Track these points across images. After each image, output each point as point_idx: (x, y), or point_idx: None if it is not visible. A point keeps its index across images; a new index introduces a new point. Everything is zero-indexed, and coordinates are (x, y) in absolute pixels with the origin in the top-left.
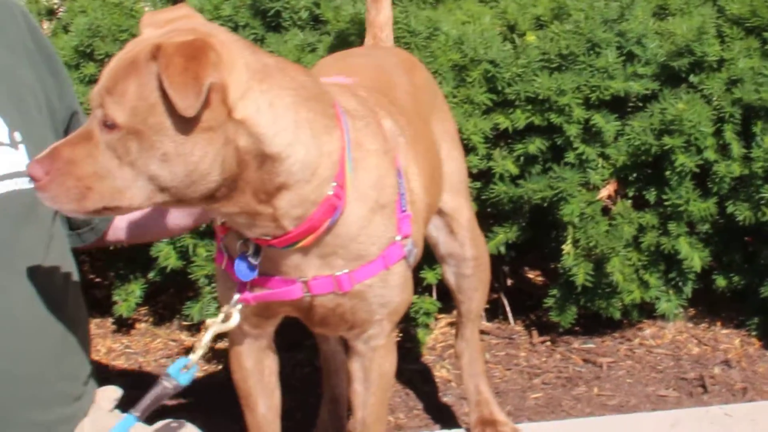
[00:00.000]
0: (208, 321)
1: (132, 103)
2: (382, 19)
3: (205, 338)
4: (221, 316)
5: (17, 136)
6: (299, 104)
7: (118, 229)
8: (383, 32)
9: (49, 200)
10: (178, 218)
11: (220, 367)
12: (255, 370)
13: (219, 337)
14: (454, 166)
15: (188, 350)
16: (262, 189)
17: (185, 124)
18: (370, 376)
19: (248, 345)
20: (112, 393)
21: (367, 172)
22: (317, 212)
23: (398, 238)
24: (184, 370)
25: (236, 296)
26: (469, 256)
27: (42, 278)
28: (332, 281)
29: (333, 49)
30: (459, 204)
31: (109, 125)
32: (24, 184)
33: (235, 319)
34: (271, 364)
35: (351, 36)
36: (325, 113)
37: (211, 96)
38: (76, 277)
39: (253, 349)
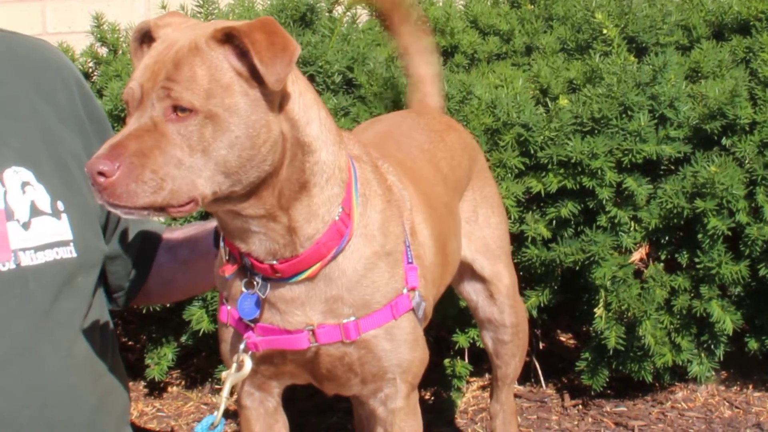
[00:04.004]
0: (224, 374)
1: (205, 87)
2: (429, 72)
3: (224, 391)
4: (234, 365)
5: (60, 205)
6: (320, 104)
7: (150, 289)
8: (431, 86)
9: (124, 196)
10: (202, 275)
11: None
12: None
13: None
14: (492, 232)
15: None
16: (288, 187)
17: (256, 106)
18: None
19: (256, 410)
20: None
21: (375, 213)
22: (325, 236)
23: (405, 290)
24: (211, 428)
25: (243, 343)
26: (508, 323)
27: (79, 348)
28: (339, 330)
29: (366, 112)
30: (498, 270)
31: (182, 113)
32: (65, 253)
33: (248, 366)
34: (281, 429)
35: (384, 99)
36: (338, 129)
37: None
38: (114, 345)
39: (261, 413)
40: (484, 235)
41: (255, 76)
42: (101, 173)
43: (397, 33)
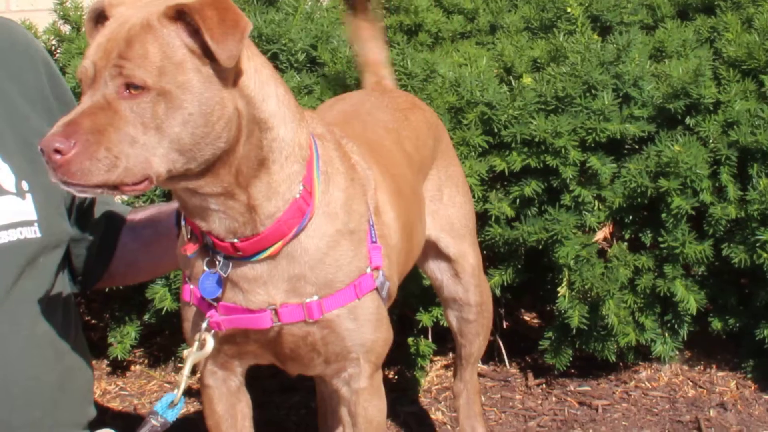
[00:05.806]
0: (185, 352)
1: (158, 64)
2: (382, 56)
3: (185, 370)
4: (196, 344)
5: (25, 185)
6: (278, 81)
7: (114, 271)
8: (385, 69)
9: (78, 174)
10: (165, 255)
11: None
12: (227, 415)
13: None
14: (457, 211)
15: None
16: (246, 164)
17: (210, 83)
18: (357, 421)
19: (219, 389)
20: None
21: (338, 191)
22: (286, 213)
23: (369, 269)
24: (171, 407)
25: (206, 322)
26: (473, 303)
27: (41, 327)
28: (302, 309)
29: (329, 91)
30: (463, 249)
31: (134, 90)
32: (29, 233)
33: (210, 345)
34: (244, 408)
35: (348, 78)
36: (297, 107)
37: None
38: (77, 324)
39: (223, 392)
40: (449, 214)
41: (207, 53)
42: (57, 151)
43: (357, 17)
